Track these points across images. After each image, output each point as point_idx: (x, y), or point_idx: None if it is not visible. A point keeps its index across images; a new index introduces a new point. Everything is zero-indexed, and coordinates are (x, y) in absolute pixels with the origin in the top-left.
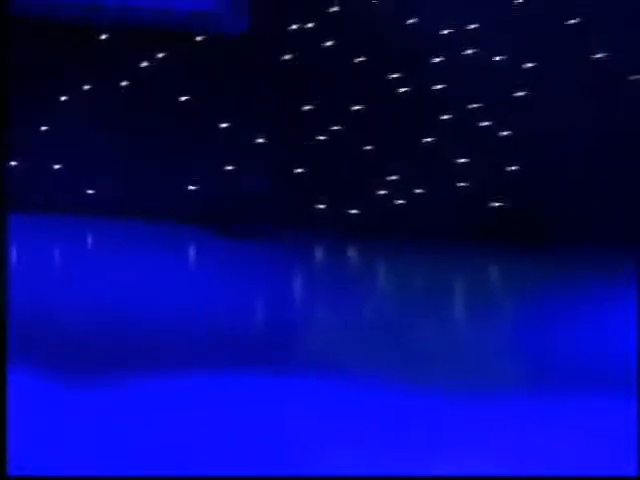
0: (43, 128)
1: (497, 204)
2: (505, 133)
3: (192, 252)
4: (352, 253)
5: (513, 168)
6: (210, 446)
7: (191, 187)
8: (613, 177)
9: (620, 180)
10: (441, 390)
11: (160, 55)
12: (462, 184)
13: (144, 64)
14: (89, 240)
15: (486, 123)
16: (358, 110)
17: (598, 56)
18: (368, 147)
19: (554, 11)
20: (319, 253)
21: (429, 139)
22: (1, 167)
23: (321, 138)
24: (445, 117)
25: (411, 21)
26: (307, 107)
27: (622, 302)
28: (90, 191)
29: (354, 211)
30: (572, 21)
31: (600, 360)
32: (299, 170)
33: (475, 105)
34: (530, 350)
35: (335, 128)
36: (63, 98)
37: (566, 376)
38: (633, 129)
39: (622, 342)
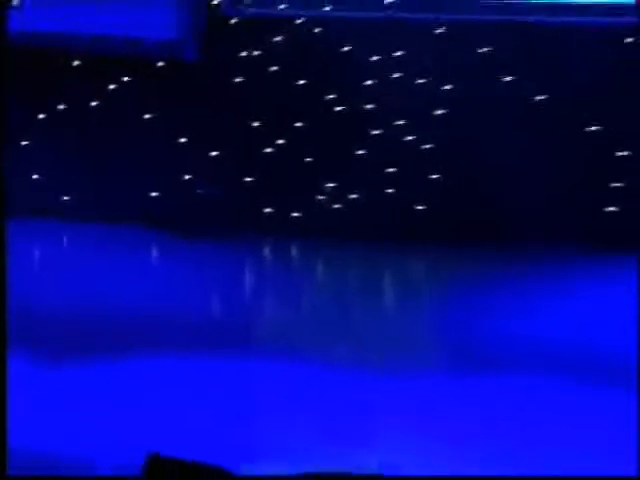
0: (23, 143)
1: (421, 207)
2: (427, 146)
3: (155, 251)
4: (296, 252)
5: (433, 176)
6: (177, 419)
7: (154, 194)
8: (520, 183)
9: (525, 184)
10: (377, 367)
11: (126, 79)
12: (390, 190)
13: (112, 87)
14: (64, 242)
15: (410, 137)
16: (299, 126)
17: (507, 79)
18: (308, 158)
19: (468, 41)
20: (266, 251)
21: (361, 151)
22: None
23: (267, 151)
24: (375, 132)
25: (345, 49)
26: (255, 124)
27: (529, 293)
28: (65, 197)
29: (296, 214)
30: (483, 49)
31: (519, 345)
32: (248, 179)
33: (401, 122)
34: (451, 335)
35: (280, 142)
36: (41, 116)
37: (481, 355)
38: (536, 141)
39: (528, 328)
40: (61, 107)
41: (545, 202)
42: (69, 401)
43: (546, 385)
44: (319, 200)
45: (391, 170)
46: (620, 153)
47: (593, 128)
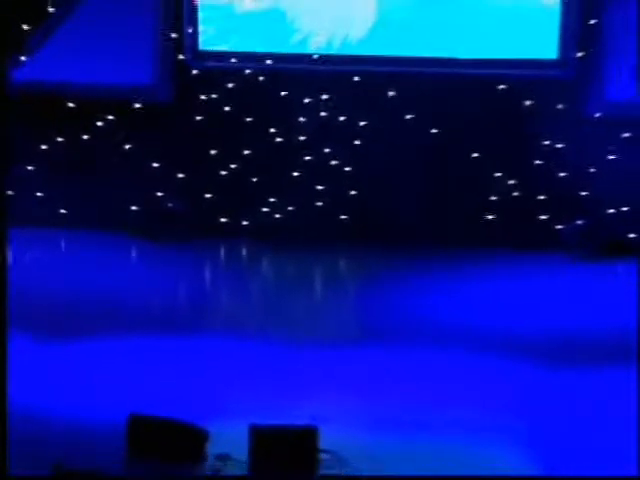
0: (29, 167)
1: (343, 217)
2: (347, 169)
3: (134, 252)
4: (245, 252)
5: (353, 192)
6: (154, 385)
7: (133, 207)
8: (421, 198)
9: (425, 199)
10: (307, 341)
11: (110, 117)
12: (320, 203)
13: (99, 123)
14: (62, 245)
15: (335, 162)
16: (248, 154)
17: (408, 117)
18: (255, 179)
19: (378, 87)
20: (222, 253)
21: (296, 173)
22: (3, 190)
23: (223, 173)
24: (307, 158)
25: (283, 93)
26: (213, 152)
27: (425, 284)
28: (63, 210)
29: (246, 222)
30: (391, 93)
31: (419, 323)
32: (208, 195)
33: (327, 150)
34: (366, 316)
35: (232, 166)
36: (43, 147)
37: (390, 332)
38: (432, 165)
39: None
40: (59, 139)
41: (439, 213)
42: (62, 372)
43: (437, 356)
44: None
45: (320, 188)
46: (497, 174)
47: (475, 154)
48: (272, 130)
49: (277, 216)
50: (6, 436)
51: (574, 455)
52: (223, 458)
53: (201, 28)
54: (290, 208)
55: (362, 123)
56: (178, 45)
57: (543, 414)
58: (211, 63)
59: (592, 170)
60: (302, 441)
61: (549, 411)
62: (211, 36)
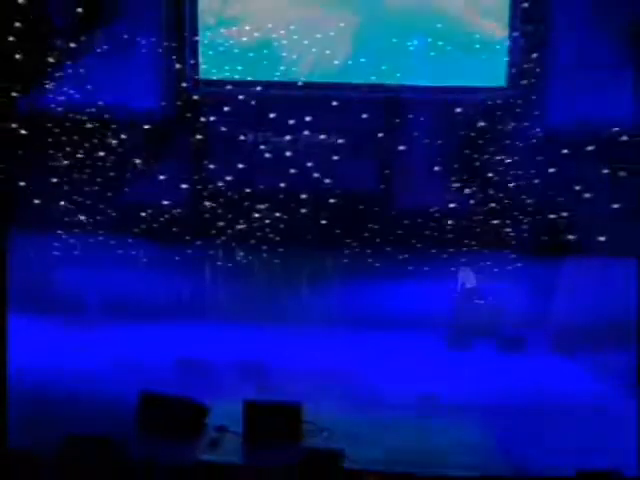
0: (53, 180)
1: (324, 222)
2: (327, 180)
3: (142, 253)
4: (239, 253)
5: (332, 201)
6: (162, 367)
7: (142, 213)
8: (390, 207)
9: (394, 209)
10: (293, 330)
11: (123, 136)
12: (304, 210)
13: (114, 141)
14: (80, 246)
15: (316, 175)
16: (241, 167)
17: (379, 135)
18: (248, 189)
19: (354, 109)
20: (219, 252)
21: (283, 184)
22: (8, 201)
23: (220, 184)
24: (293, 171)
25: (272, 115)
26: (211, 166)
27: (391, 280)
28: (82, 217)
29: (240, 227)
30: (364, 115)
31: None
32: (207, 203)
33: (310, 164)
34: (346, 308)
35: (228, 178)
36: (65, 162)
37: (366, 321)
38: (401, 177)
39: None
40: (79, 155)
41: (404, 218)
42: (80, 354)
43: (415, 337)
44: None
45: (304, 196)
46: (455, 185)
47: (436, 168)
48: (262, 147)
49: (267, 221)
50: (6, 412)
51: (573, 453)
52: (221, 429)
53: (201, 60)
54: (277, 214)
55: (339, 141)
56: (181, 75)
57: (541, 410)
58: (209, 90)
59: (536, 181)
60: (289, 414)
61: (547, 407)
62: (209, 67)
